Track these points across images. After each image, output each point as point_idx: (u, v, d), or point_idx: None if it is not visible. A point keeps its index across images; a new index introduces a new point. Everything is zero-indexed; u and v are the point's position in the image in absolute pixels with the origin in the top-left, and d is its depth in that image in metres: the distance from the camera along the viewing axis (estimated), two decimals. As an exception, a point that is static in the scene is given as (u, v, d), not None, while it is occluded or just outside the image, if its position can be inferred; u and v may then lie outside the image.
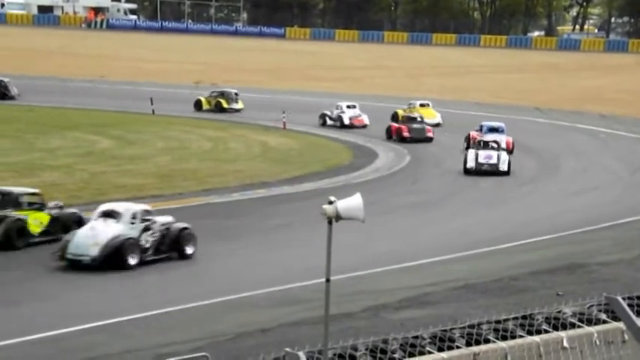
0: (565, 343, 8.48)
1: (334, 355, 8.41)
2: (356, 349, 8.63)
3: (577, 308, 9.02)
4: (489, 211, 25.75)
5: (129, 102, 48.84)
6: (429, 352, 8.68)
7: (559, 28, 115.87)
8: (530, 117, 47.93)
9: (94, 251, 17.78)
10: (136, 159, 32.48)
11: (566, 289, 15.65)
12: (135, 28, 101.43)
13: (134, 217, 18.47)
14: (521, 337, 8.66)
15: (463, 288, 16.47)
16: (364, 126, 42.21)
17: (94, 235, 17.94)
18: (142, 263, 18.13)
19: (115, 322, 14.29)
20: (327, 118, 43.29)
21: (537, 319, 8.82)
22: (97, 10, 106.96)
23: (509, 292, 16.06)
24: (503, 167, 30.59)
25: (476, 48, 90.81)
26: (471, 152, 31.06)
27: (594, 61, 78.27)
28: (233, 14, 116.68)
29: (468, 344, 8.65)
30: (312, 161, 33.32)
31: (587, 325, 8.71)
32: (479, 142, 32.53)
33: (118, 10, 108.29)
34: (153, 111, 46.87)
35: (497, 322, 8.81)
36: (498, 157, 30.79)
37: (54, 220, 20.04)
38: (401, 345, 8.69)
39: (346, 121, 42.44)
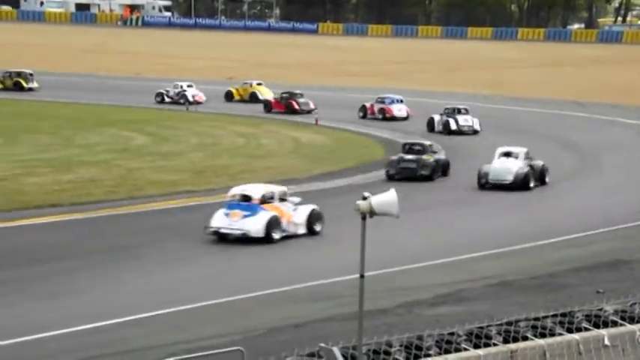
0: (606, 341, 8.29)
1: (368, 350, 8.31)
2: (390, 346, 8.53)
3: (619, 306, 8.82)
4: (527, 207, 25.44)
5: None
6: (465, 349, 8.56)
7: (600, 20, 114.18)
8: (570, 111, 47.34)
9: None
10: (171, 155, 32.63)
11: (608, 286, 15.33)
12: (169, 25, 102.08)
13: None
14: (560, 334, 8.49)
15: (499, 285, 16.26)
16: (199, 103, 46.47)
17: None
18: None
19: (151, 317, 14.31)
20: (165, 96, 48.00)
21: (577, 317, 8.64)
22: (133, 8, 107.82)
23: (547, 290, 15.82)
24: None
25: (513, 42, 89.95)
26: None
27: (637, 53, 76.91)
28: (266, 10, 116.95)
29: (505, 341, 8.51)
30: (344, 157, 33.21)
31: (629, 323, 8.51)
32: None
33: (153, 8, 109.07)
34: (187, 107, 47.08)
35: (536, 319, 8.66)
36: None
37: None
38: (436, 342, 8.58)
39: (190, 99, 47.27)
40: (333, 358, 7.47)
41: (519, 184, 26.71)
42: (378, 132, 39.57)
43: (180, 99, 47.90)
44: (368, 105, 43.75)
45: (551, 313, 8.71)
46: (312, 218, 20.73)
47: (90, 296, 15.66)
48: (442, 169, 28.98)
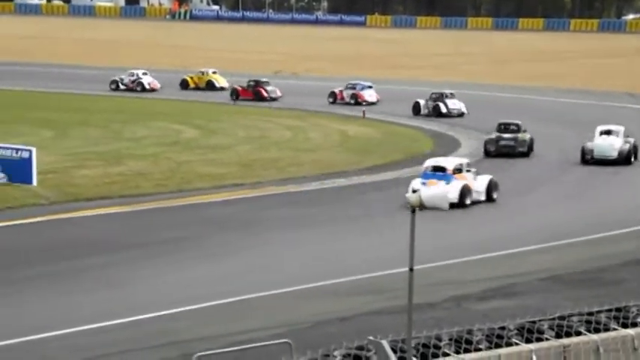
0: (663, 337, 8.07)
1: (418, 344, 8.21)
2: (440, 339, 8.42)
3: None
4: (579, 201, 25.02)
5: (211, 93, 49.36)
6: (516, 344, 8.42)
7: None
8: (623, 103, 46.46)
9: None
10: (219, 148, 32.79)
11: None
12: (217, 18, 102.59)
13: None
14: (614, 329, 8.30)
15: (550, 279, 16.00)
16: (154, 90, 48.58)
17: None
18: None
19: (197, 309, 14.37)
20: (120, 84, 50.06)
21: (632, 312, 8.43)
22: (181, 1, 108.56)
23: (598, 284, 15.52)
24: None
25: (565, 33, 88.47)
26: None
27: (695, 42, 75.09)
28: (314, 3, 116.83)
29: (558, 336, 8.34)
30: (392, 150, 33.02)
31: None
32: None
33: (201, 1, 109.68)
34: (234, 101, 47.27)
35: (589, 314, 8.47)
36: None
37: None
38: (486, 336, 8.45)
39: (146, 86, 49.70)
40: (382, 351, 7.39)
41: (623, 160, 29.26)
42: (427, 125, 39.31)
43: (137, 86, 50.13)
44: (337, 91, 46.11)
45: (605, 308, 8.52)
46: (491, 187, 23.61)
47: (137, 288, 15.78)
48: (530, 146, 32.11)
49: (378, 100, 45.22)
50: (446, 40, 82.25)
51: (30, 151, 24.69)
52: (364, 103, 44.43)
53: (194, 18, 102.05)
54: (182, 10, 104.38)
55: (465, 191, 22.76)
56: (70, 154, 30.20)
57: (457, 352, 8.41)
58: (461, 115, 41.22)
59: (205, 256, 18.22)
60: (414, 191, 8.00)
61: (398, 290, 14.53)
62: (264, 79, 48.09)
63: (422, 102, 41.96)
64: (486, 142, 31.81)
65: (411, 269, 8.49)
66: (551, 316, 8.48)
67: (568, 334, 8.29)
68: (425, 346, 8.32)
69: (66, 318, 13.67)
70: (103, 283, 15.91)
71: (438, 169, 23.16)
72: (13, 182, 24.32)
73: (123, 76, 50.95)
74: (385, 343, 7.53)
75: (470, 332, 8.54)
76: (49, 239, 19.42)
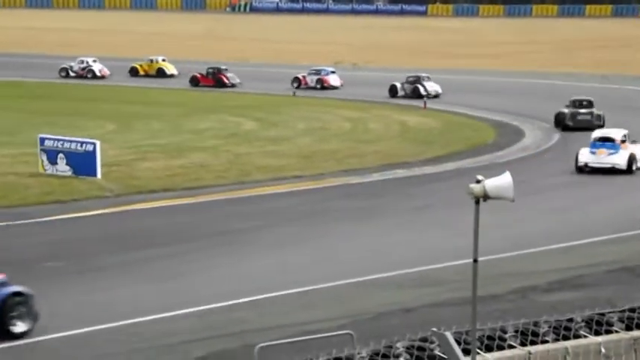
0: None
1: (482, 336, 8.06)
2: (505, 331, 8.26)
3: None
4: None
5: (272, 84, 49.57)
6: (584, 336, 8.20)
7: None
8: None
9: None
10: (278, 140, 32.87)
11: None
12: (277, 9, 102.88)
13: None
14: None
15: (620, 270, 15.63)
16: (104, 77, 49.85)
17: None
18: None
19: (259, 299, 14.41)
20: (70, 71, 51.21)
21: None
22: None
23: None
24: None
25: (635, 19, 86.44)
26: None
27: None
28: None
29: (628, 328, 8.11)
30: (453, 140, 32.69)
31: None
32: None
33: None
34: (294, 92, 47.36)
35: (661, 306, 8.20)
36: None
37: None
38: (554, 328, 8.25)
39: (97, 73, 51.58)
40: (445, 343, 7.26)
41: None
42: (490, 115, 38.82)
43: (87, 73, 51.97)
44: (300, 76, 48.90)
45: (679, 301, 8.25)
46: (631, 160, 25.67)
47: (200, 279, 15.90)
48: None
49: (341, 85, 48.02)
50: (509, 29, 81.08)
51: (94, 145, 25.06)
52: (329, 87, 47.27)
53: (254, 10, 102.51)
54: (242, 3, 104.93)
55: (632, 159, 25.48)
56: (132, 147, 30.61)
57: (522, 345, 8.24)
58: (437, 96, 43.70)
59: (267, 248, 18.27)
60: (478, 181, 7.80)
61: (461, 282, 14.36)
62: (223, 67, 50.42)
63: (398, 85, 45.12)
64: (562, 117, 34.24)
65: (475, 260, 8.32)
66: (621, 308, 8.25)
67: (639, 327, 8.06)
68: (490, 338, 8.17)
69: (131, 308, 13.84)
70: (167, 274, 16.08)
71: (606, 140, 25.85)
72: (78, 175, 24.74)
73: (72, 64, 52.78)
74: (449, 335, 7.40)
75: (536, 324, 8.36)
76: (115, 231, 19.70)
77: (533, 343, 8.17)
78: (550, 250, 17.61)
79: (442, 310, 13.24)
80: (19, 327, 12.37)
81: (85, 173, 24.68)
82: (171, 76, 52.53)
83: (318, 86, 47.91)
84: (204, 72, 49.74)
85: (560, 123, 34.41)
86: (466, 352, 7.62)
